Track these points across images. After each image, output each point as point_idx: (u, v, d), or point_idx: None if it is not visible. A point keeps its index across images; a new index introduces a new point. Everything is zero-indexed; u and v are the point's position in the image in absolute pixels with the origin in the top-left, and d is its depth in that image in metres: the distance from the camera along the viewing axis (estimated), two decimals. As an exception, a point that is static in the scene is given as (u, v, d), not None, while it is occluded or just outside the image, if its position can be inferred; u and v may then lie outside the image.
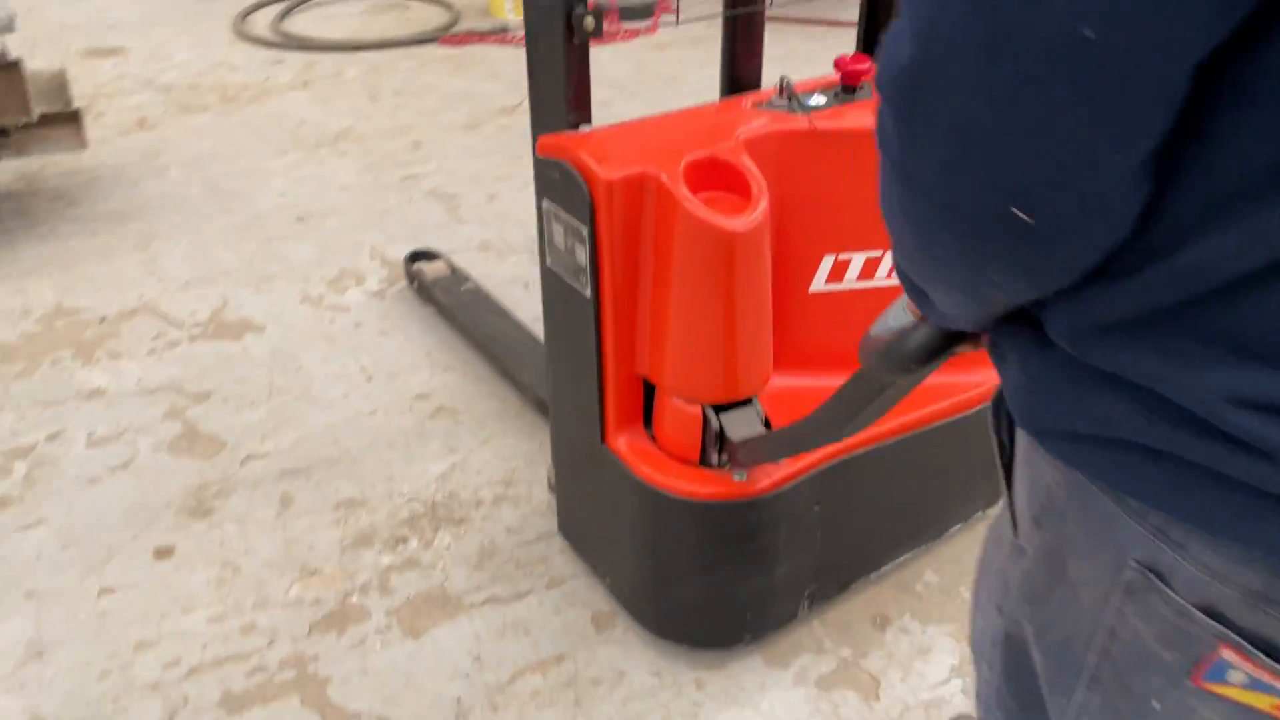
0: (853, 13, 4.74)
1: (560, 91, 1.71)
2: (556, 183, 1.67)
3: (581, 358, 1.76)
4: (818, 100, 1.78)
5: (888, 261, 1.86)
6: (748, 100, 1.80)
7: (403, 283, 3.03)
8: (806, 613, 1.94)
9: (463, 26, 5.15)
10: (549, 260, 1.77)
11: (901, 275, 0.83)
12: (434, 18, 5.34)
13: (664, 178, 1.57)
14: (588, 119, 1.75)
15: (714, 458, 1.72)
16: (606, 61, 4.78)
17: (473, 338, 2.68)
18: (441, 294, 2.82)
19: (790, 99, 1.76)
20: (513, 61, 4.78)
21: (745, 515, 1.73)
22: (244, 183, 3.65)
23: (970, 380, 1.95)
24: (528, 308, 2.88)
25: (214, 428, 2.46)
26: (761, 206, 1.58)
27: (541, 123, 1.79)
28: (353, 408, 2.53)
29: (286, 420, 2.48)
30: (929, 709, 1.80)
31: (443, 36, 5.01)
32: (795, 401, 1.78)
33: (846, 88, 1.81)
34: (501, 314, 2.74)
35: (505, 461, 2.36)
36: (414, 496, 2.26)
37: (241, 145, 3.94)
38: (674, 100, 4.27)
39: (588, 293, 1.68)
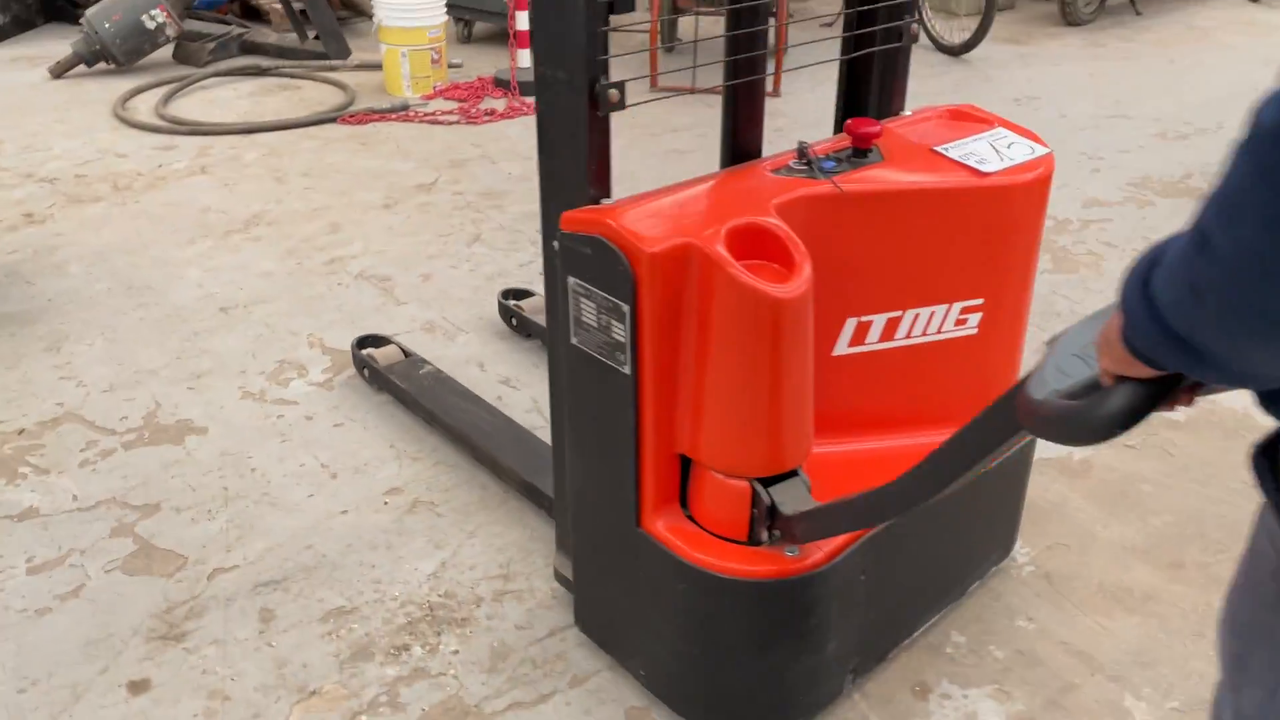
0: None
1: (580, 166, 1.65)
2: (588, 258, 1.59)
3: (615, 437, 1.68)
4: (830, 164, 1.76)
5: (907, 322, 1.85)
6: (764, 167, 1.77)
7: (349, 371, 2.87)
8: (849, 687, 1.87)
9: (362, 105, 5.03)
10: (574, 339, 1.69)
11: (1183, 327, 0.75)
12: (329, 97, 5.20)
13: (708, 247, 1.52)
14: (608, 193, 1.69)
15: (764, 534, 1.65)
16: (514, 136, 4.74)
17: (440, 424, 2.55)
18: (399, 380, 2.68)
19: (809, 164, 1.74)
20: (420, 139, 4.69)
21: (802, 592, 1.66)
22: (155, 274, 3.43)
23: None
24: (488, 389, 2.77)
25: (170, 542, 2.25)
26: (806, 272, 1.54)
27: (555, 198, 1.72)
28: (321, 509, 2.36)
29: (250, 528, 2.29)
30: (990, 776, 1.75)
31: (343, 116, 4.88)
32: (819, 468, 1.74)
33: (858, 151, 1.80)
34: (467, 397, 2.63)
35: (498, 554, 2.23)
36: (407, 599, 2.10)
37: (145, 235, 3.71)
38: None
39: (627, 370, 1.60)
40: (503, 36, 6.18)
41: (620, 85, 1.63)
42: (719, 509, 1.67)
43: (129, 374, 2.87)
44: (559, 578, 2.07)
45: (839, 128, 2.07)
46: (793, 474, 1.65)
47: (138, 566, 2.18)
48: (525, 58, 5.28)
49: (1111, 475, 2.47)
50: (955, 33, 6.15)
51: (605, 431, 1.70)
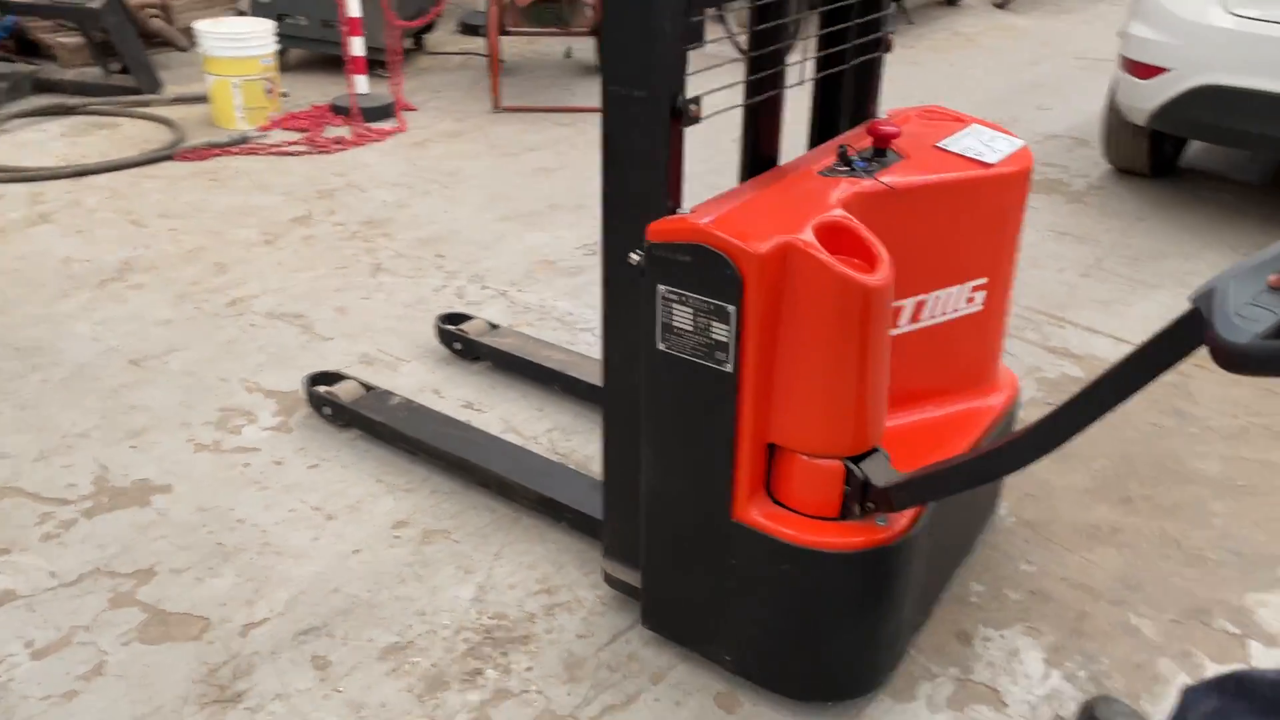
0: (588, 99, 5.05)
1: (660, 179, 1.72)
2: (686, 265, 1.67)
3: (711, 434, 1.76)
4: (862, 165, 1.92)
5: (931, 303, 2.03)
6: (809, 169, 1.90)
7: (303, 411, 2.77)
8: (907, 644, 2.04)
9: (197, 140, 4.77)
10: (662, 345, 1.76)
11: None
12: (154, 134, 4.90)
13: (805, 244, 1.64)
14: (680, 204, 1.77)
15: (856, 509, 1.78)
16: (373, 163, 4.64)
17: (430, 452, 2.52)
18: (371, 413, 2.62)
19: (850, 164, 1.89)
20: (274, 172, 4.51)
21: (894, 558, 1.80)
22: (39, 333, 3.15)
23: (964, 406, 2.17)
24: (453, 415, 2.76)
25: (182, 605, 2.12)
26: (887, 262, 1.69)
27: (625, 212, 1.78)
28: (331, 551, 2.28)
29: (265, 580, 2.19)
30: (1050, 702, 1.95)
31: (180, 152, 4.61)
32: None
33: (879, 150, 1.97)
34: (451, 423, 2.61)
35: (531, 571, 2.24)
36: (460, 626, 2.09)
37: (8, 294, 3.40)
38: (476, 192, 4.25)
39: (728, 368, 1.69)
40: (320, 62, 6.02)
41: (697, 100, 1.72)
42: (812, 490, 1.79)
43: (56, 440, 2.64)
44: (613, 583, 2.12)
45: (821, 135, 2.24)
46: (874, 449, 1.80)
47: (157, 634, 2.05)
48: (362, 83, 5.18)
49: (1046, 430, 2.77)
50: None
51: (697, 430, 1.78)
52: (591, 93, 5.72)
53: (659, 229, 1.70)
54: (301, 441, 2.66)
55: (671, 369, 1.77)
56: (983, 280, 2.09)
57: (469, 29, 6.90)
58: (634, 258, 1.76)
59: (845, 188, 1.83)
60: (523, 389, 2.91)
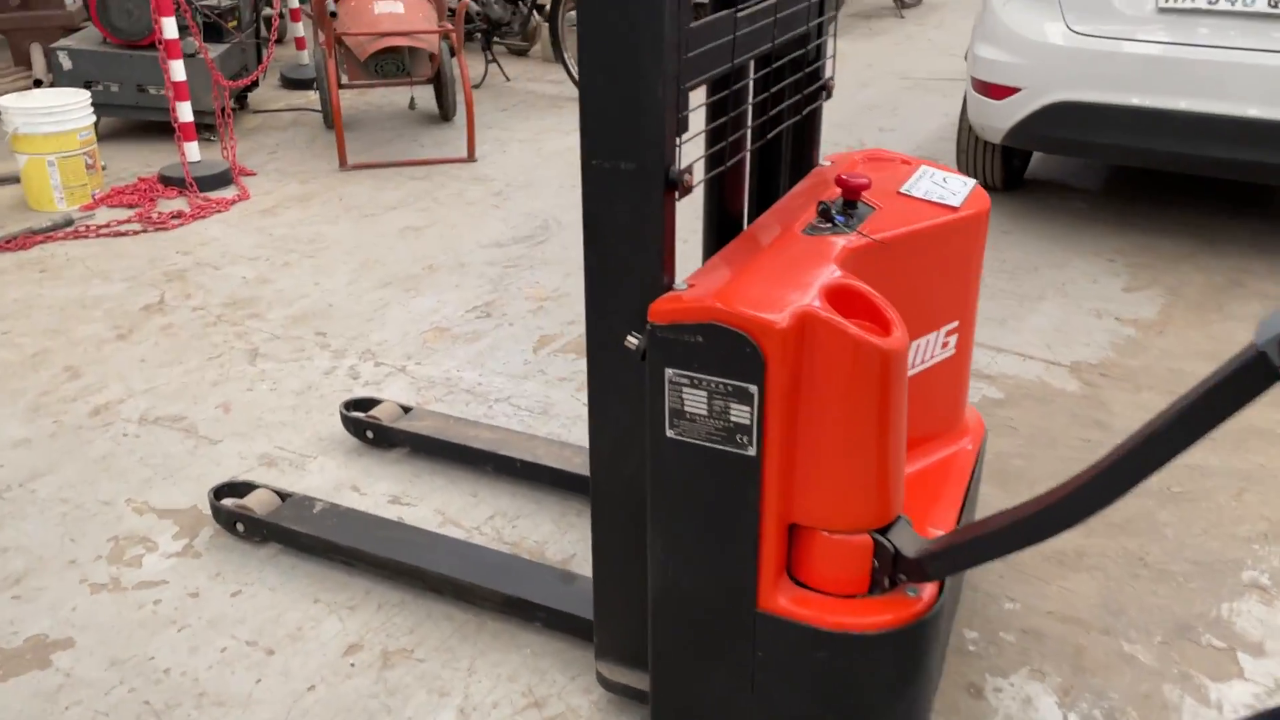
0: (439, 150, 4.83)
1: (655, 254, 1.59)
2: (698, 346, 1.55)
3: (732, 523, 1.63)
4: (841, 219, 1.85)
5: (913, 353, 1.97)
6: (790, 227, 1.81)
7: (210, 529, 2.47)
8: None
9: (13, 227, 4.28)
10: (672, 432, 1.62)
11: None
12: (-42, 223, 4.37)
13: (821, 312, 1.54)
14: (674, 278, 1.64)
15: (885, 581, 1.69)
16: (220, 236, 4.29)
17: (372, 561, 2.28)
18: (296, 525, 2.36)
19: (832, 221, 1.81)
20: (110, 256, 4.10)
21: (931, 628, 1.72)
22: None
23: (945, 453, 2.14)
24: (382, 513, 2.53)
25: (119, 785, 1.82)
26: (899, 322, 1.61)
27: (617, 292, 1.64)
28: (281, 692, 2.02)
29: (211, 738, 1.92)
30: (1076, 746, 1.92)
31: (-5, 242, 4.13)
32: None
33: (848, 202, 1.90)
34: (386, 524, 2.37)
35: (512, 683, 2.05)
36: (451, 761, 1.88)
37: None
38: (343, 259, 3.98)
39: (751, 451, 1.57)
40: (135, 130, 5.57)
41: (690, 168, 1.60)
42: (839, 568, 1.69)
43: (-85, 600, 2.26)
44: (610, 686, 1.96)
45: (762, 187, 2.15)
46: (898, 518, 1.71)
47: (96, 828, 1.74)
48: (193, 150, 4.80)
49: (987, 459, 2.78)
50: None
51: (716, 519, 1.65)
52: (442, 143, 5.51)
53: (664, 309, 1.57)
54: (215, 566, 2.37)
55: (684, 457, 1.63)
56: (954, 324, 2.05)
57: (293, 83, 6.55)
58: (633, 341, 1.62)
59: (834, 245, 1.75)
60: (450, 474, 2.70)
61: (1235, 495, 2.63)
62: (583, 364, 3.27)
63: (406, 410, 2.85)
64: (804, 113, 2.07)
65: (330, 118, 5.63)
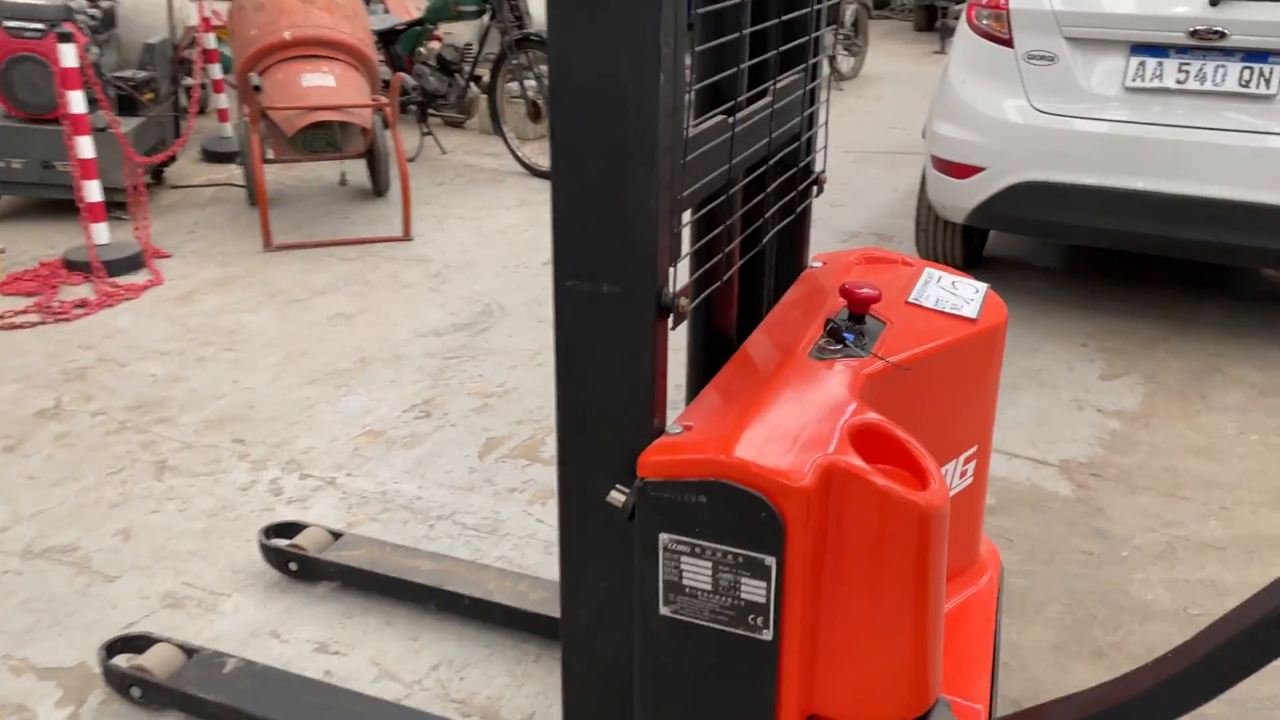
0: (373, 228, 4.56)
1: (643, 394, 1.31)
2: (700, 508, 1.26)
3: (740, 716, 1.34)
4: (850, 337, 1.59)
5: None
6: (793, 346, 1.55)
7: (100, 694, 2.10)
8: None
9: (-108, 319, 3.86)
10: (666, 609, 1.32)
11: None
12: None
13: (848, 463, 1.27)
14: (665, 421, 1.36)
15: (926, 778, 1.40)
16: (129, 328, 3.91)
17: (292, 733, 1.93)
18: (203, 691, 1.99)
19: (842, 341, 1.55)
20: (2, 354, 3.69)
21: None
22: None
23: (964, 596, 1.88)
24: (307, 665, 2.18)
25: None
26: (936, 471, 1.35)
27: (590, 436, 1.35)
28: None
29: None
30: None
31: None
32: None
33: (855, 317, 1.64)
34: (313, 687, 2.02)
35: None
36: None
37: None
38: (266, 352, 3.63)
39: (767, 635, 1.29)
40: (38, 209, 5.17)
41: (686, 290, 1.32)
42: (870, 765, 1.40)
43: None
44: None
45: (744, 291, 1.88)
46: (938, 701, 1.43)
47: None
48: (102, 232, 4.43)
49: (985, 577, 2.52)
50: (539, 155, 6.24)
51: (723, 713, 1.35)
52: (375, 220, 5.20)
53: (657, 461, 1.29)
54: (106, 740, 1.99)
55: (682, 640, 1.34)
56: (973, 449, 1.80)
57: (215, 156, 6.21)
58: (618, 497, 1.33)
59: (849, 373, 1.49)
60: (387, 613, 2.35)
61: (1257, 616, 2.40)
62: (535, 470, 2.97)
63: (336, 536, 2.51)
64: (796, 211, 1.82)
65: (254, 194, 5.29)
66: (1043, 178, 3.81)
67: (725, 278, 1.52)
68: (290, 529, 2.52)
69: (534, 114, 6.17)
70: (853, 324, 1.63)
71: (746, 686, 1.32)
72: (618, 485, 1.34)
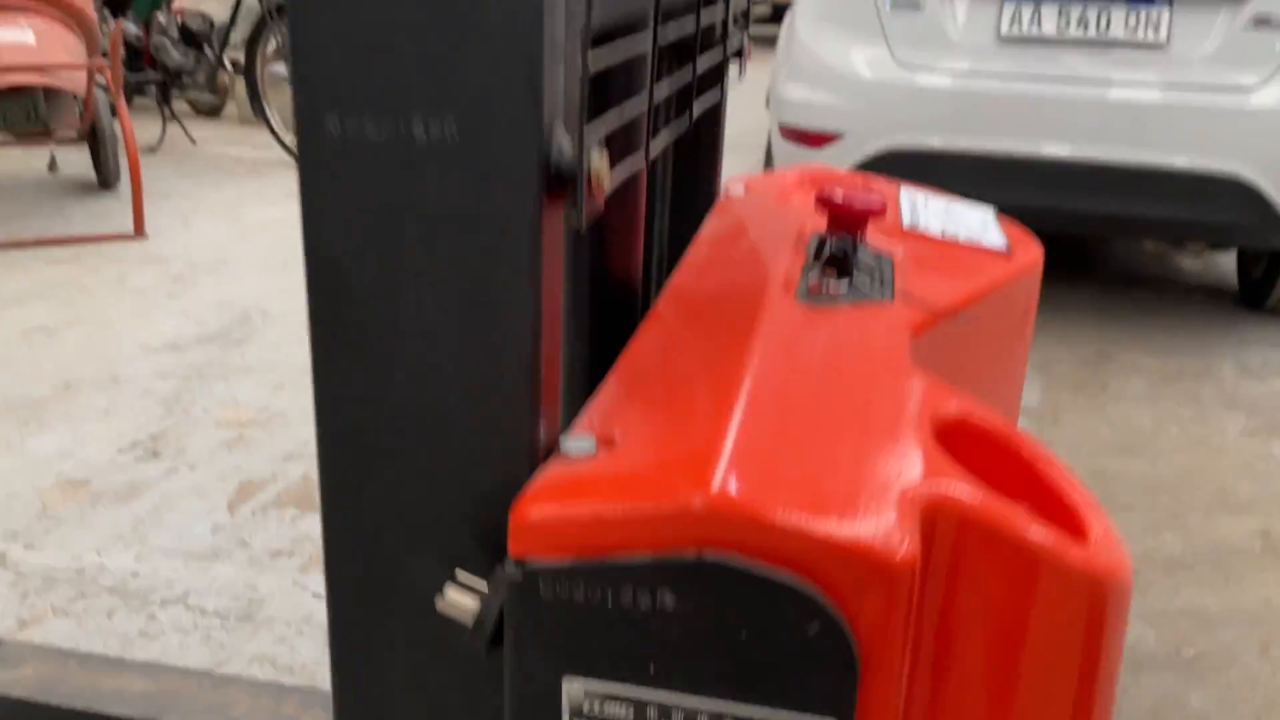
0: (94, 224, 3.70)
1: (515, 366, 0.58)
2: (652, 621, 0.55)
3: None
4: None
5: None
6: (772, 295, 0.85)
7: None
8: None
9: None
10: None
11: None
12: None
13: (963, 500, 0.59)
14: (557, 424, 0.63)
15: None
16: None
17: None
18: None
19: (849, 274, 0.87)
20: None
21: None
22: None
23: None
24: None
25: None
26: (1101, 512, 0.69)
27: (404, 472, 0.61)
28: None
29: None
30: None
31: None
32: None
33: (840, 244, 0.97)
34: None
35: None
36: None
37: None
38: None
39: None
40: None
41: (603, 150, 0.60)
42: None
43: None
44: None
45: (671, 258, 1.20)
46: None
47: None
48: None
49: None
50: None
51: None
52: (99, 216, 4.17)
53: (548, 517, 0.55)
54: None
55: None
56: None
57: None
58: (460, 601, 0.59)
59: (890, 325, 0.81)
60: (69, 767, 1.49)
61: (1261, 652, 1.90)
62: (309, 523, 2.15)
63: (-10, 647, 1.62)
64: (705, 109, 1.14)
65: (-65, 186, 4.16)
66: (910, 144, 3.30)
67: (644, 152, 0.80)
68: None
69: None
70: (843, 253, 0.96)
71: None
72: (458, 570, 0.60)
